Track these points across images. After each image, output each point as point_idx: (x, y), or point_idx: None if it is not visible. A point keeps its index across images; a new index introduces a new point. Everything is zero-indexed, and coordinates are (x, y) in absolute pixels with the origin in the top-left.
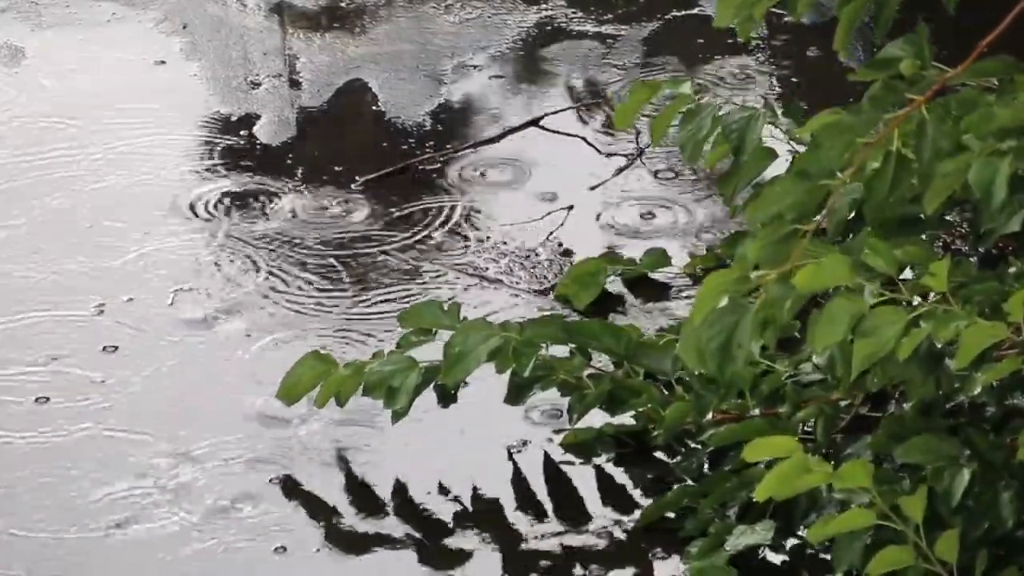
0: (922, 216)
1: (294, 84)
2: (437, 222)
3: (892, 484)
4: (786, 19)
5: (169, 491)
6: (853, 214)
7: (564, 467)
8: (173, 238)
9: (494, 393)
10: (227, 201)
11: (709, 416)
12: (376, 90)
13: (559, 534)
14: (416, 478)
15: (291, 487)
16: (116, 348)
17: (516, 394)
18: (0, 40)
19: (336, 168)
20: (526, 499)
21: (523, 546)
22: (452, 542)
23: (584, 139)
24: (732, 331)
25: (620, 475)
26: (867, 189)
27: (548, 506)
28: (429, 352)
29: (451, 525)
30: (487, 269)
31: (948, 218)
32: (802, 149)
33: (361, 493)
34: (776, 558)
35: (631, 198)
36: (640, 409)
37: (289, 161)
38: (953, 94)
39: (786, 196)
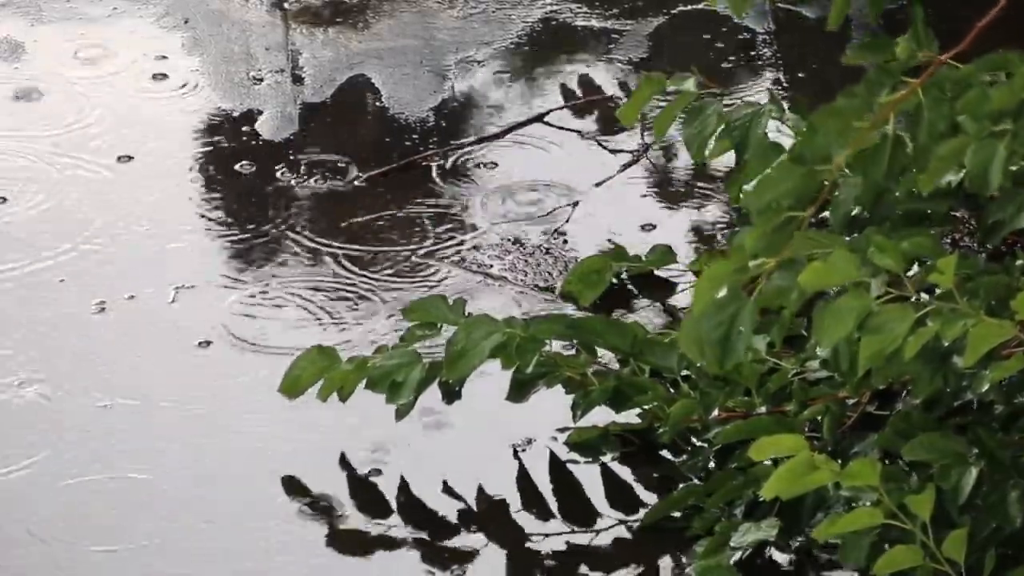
0: (928, 212)
1: (296, 79)
2: (441, 219)
3: (899, 482)
4: (791, 14)
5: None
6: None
7: (569, 465)
8: (174, 233)
9: (499, 390)
10: (228, 199)
11: (715, 414)
12: (379, 86)
13: (564, 533)
14: (420, 476)
15: (294, 487)
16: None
17: (518, 390)
18: (0, 35)
19: (339, 164)
20: (531, 498)
21: (528, 545)
22: (456, 541)
23: (589, 135)
24: (732, 322)
25: (625, 473)
26: (863, 172)
27: (553, 505)
28: (433, 350)
29: (455, 524)
30: (491, 266)
31: (955, 214)
32: None
33: (364, 492)
34: (782, 557)
35: (636, 194)
36: (645, 407)
37: (291, 157)
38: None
39: (782, 182)
